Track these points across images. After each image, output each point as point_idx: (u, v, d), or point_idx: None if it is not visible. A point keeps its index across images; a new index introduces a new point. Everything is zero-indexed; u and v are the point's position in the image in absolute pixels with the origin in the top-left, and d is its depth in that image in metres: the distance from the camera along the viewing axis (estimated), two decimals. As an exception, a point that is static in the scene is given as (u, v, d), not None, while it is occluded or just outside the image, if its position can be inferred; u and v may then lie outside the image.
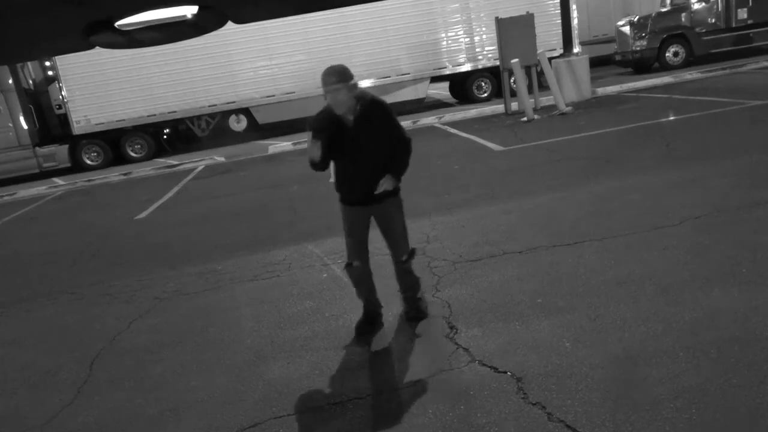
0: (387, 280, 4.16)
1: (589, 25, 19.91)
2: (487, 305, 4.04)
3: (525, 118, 11.93)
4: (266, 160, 13.16)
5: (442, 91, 19.65)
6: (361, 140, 3.53)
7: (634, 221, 5.12)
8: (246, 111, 15.96)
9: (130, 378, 3.88)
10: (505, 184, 7.27)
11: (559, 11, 14.18)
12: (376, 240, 3.96)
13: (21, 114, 14.97)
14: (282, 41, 15.00)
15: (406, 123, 13.48)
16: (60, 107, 15.56)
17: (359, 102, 3.51)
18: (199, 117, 15.97)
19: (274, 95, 15.55)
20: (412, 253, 3.90)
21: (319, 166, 3.58)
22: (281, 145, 14.43)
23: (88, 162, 15.60)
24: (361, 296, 3.98)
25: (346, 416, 3.09)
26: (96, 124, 15.09)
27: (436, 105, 17.76)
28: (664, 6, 17.46)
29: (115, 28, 1.73)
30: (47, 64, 15.91)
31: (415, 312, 4.03)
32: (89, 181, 14.07)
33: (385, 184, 3.57)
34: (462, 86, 16.81)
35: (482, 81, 16.55)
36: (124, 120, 15.20)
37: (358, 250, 3.81)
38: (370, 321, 4.00)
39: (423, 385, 3.26)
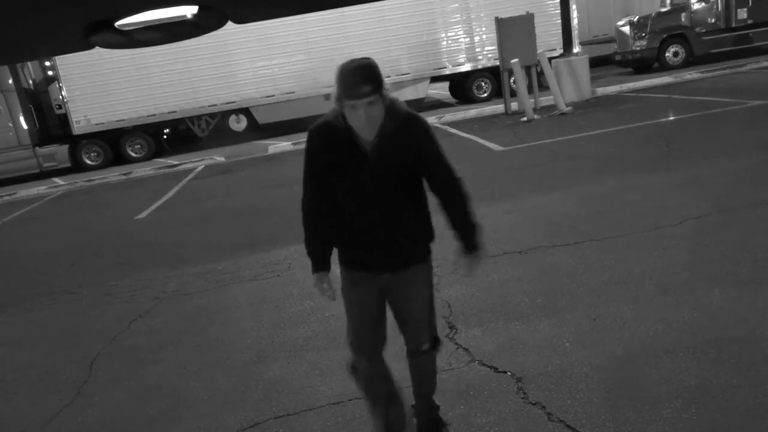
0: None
1: (589, 25, 19.91)
2: (487, 305, 4.04)
3: (525, 118, 11.93)
4: (266, 160, 13.16)
5: (442, 91, 19.64)
6: (382, 173, 2.29)
7: (634, 221, 5.12)
8: (246, 111, 15.97)
9: (130, 378, 3.88)
10: (505, 184, 7.27)
11: (559, 11, 14.18)
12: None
13: (21, 114, 14.98)
14: (282, 41, 15.00)
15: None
16: (60, 107, 15.56)
17: (387, 116, 2.21)
18: (199, 117, 15.97)
19: (274, 95, 15.55)
20: (436, 341, 2.64)
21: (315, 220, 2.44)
22: (281, 145, 14.43)
23: (88, 162, 15.61)
24: (375, 411, 2.63)
25: (346, 416, 3.09)
26: (96, 124, 15.10)
27: (436, 105, 17.76)
28: (664, 6, 17.46)
29: (115, 28, 1.73)
30: (47, 64, 15.93)
31: (433, 426, 2.80)
32: (89, 181, 14.08)
33: (471, 266, 2.55)
34: (462, 86, 16.81)
35: (482, 81, 16.56)
36: (124, 120, 15.21)
37: (368, 341, 2.53)
38: None
39: (423, 385, 3.26)
